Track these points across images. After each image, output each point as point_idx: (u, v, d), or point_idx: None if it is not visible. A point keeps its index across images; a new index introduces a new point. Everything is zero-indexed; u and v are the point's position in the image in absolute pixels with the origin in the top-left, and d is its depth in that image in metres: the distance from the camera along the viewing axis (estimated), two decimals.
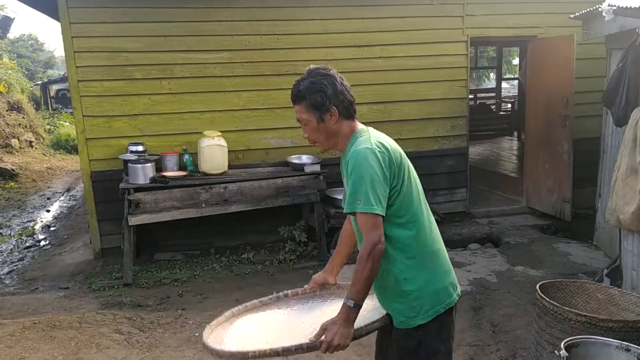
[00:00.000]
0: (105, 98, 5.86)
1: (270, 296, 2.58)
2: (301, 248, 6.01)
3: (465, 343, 4.02)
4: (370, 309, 2.31)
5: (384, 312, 2.27)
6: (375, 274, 2.07)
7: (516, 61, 20.73)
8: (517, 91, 14.42)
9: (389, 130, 6.50)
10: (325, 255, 5.83)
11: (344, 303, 2.06)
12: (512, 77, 19.66)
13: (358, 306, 2.05)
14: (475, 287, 5.03)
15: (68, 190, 10.75)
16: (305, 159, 6.20)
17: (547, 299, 2.53)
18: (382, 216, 2.08)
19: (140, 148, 5.84)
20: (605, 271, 4.73)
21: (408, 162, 2.25)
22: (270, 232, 6.33)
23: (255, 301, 2.52)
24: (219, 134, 5.88)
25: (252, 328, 2.31)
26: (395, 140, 7.89)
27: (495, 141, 11.85)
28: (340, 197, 6.14)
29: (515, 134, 12.33)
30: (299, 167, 6.01)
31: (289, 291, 2.58)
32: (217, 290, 5.25)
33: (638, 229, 3.94)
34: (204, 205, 5.63)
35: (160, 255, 6.11)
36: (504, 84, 17.55)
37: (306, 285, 2.59)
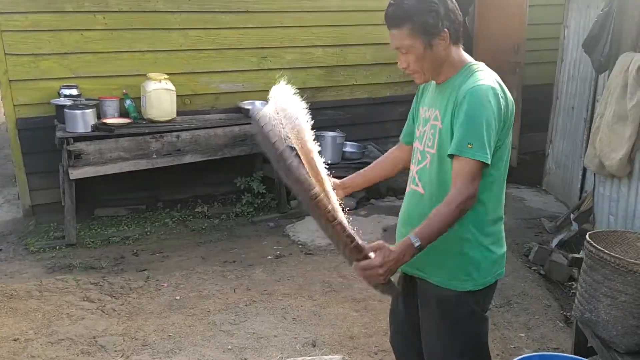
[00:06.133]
0: (31, 33, 5.07)
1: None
2: (259, 200, 5.68)
3: None
4: None
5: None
6: (452, 225, 1.84)
7: None
8: None
9: (344, 75, 6.39)
10: (285, 206, 5.55)
11: (407, 238, 1.81)
12: None
13: (420, 249, 1.81)
14: None
15: None
16: (259, 104, 5.78)
17: (607, 252, 2.47)
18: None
19: (74, 92, 5.15)
20: (573, 215, 4.86)
21: (513, 118, 2.01)
22: (221, 184, 5.92)
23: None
24: (166, 76, 5.31)
25: None
26: (349, 86, 7.63)
27: None
28: None
29: None
30: None
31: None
32: (175, 248, 4.85)
33: (624, 175, 4.02)
34: (154, 156, 5.11)
35: (101, 211, 5.53)
36: None
37: None
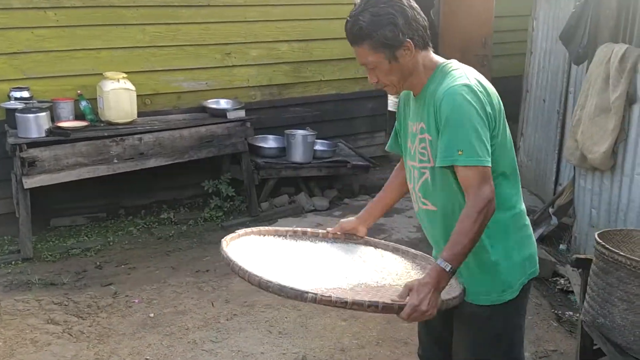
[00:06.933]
0: None
1: (287, 228, 2.17)
2: (228, 204, 5.42)
3: None
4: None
5: (460, 286, 1.92)
6: (480, 236, 1.73)
7: None
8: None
9: (311, 71, 6.17)
10: (256, 209, 5.31)
11: (436, 264, 1.70)
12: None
13: (453, 271, 1.70)
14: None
15: None
16: (224, 103, 5.53)
17: (622, 254, 2.35)
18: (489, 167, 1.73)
19: (25, 94, 4.77)
20: (551, 209, 4.80)
21: (502, 108, 1.88)
22: (186, 188, 5.64)
23: (268, 228, 2.15)
24: (125, 75, 4.98)
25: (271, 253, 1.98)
26: (317, 82, 7.39)
27: None
28: (267, 145, 5.62)
29: None
30: (219, 113, 5.33)
31: (309, 229, 2.18)
32: (141, 258, 4.56)
33: (608, 168, 3.97)
34: (115, 161, 4.79)
35: (57, 221, 5.15)
36: None
37: (329, 229, 2.20)
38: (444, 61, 1.88)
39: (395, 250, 2.16)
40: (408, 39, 1.78)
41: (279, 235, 2.13)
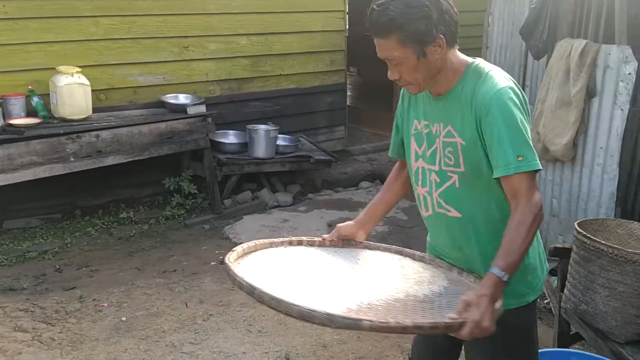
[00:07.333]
0: None
1: (282, 239, 1.98)
2: (190, 201, 5.30)
3: None
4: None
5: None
6: (532, 244, 1.67)
7: None
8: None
9: (270, 65, 6.09)
10: (219, 206, 5.21)
11: (492, 274, 1.58)
12: None
13: (508, 281, 1.60)
14: (392, 227, 4.92)
15: None
16: (183, 98, 5.39)
17: (604, 242, 2.44)
18: None
19: None
20: None
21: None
22: (144, 186, 5.47)
23: (263, 241, 1.93)
24: (79, 69, 4.78)
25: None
26: (277, 76, 7.30)
27: None
28: (228, 141, 5.53)
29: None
30: (179, 109, 5.19)
31: (305, 238, 2.01)
32: (103, 260, 4.40)
33: (569, 159, 4.10)
34: (72, 159, 4.59)
35: (10, 223, 4.90)
36: None
37: (325, 235, 2.04)
38: (472, 60, 1.78)
39: (399, 253, 2.05)
40: (441, 35, 1.65)
41: (275, 246, 1.94)
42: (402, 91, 1.95)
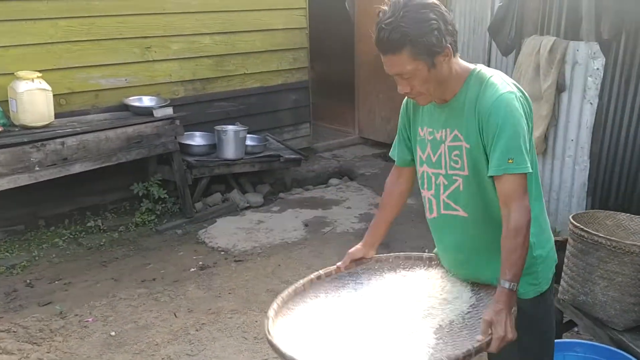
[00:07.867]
0: None
1: (302, 281, 2.04)
2: (160, 206, 5.16)
3: None
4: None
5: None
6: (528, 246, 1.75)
7: None
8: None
9: (234, 64, 6.00)
10: (191, 210, 5.11)
11: (503, 288, 1.67)
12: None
13: (516, 289, 1.71)
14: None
15: None
16: (147, 100, 5.24)
17: (602, 235, 2.54)
18: None
19: None
20: None
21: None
22: (109, 192, 5.30)
23: (288, 291, 1.98)
24: (39, 74, 4.57)
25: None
26: (240, 75, 7.24)
27: None
28: (195, 143, 5.43)
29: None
30: (144, 111, 5.06)
31: (322, 272, 2.08)
32: (75, 272, 4.25)
33: (540, 152, 4.24)
34: (37, 168, 4.40)
35: None
36: None
37: (339, 263, 2.10)
38: (474, 66, 1.84)
39: (407, 259, 2.11)
40: (448, 45, 1.71)
41: (298, 292, 1.99)
42: (404, 101, 2.02)
